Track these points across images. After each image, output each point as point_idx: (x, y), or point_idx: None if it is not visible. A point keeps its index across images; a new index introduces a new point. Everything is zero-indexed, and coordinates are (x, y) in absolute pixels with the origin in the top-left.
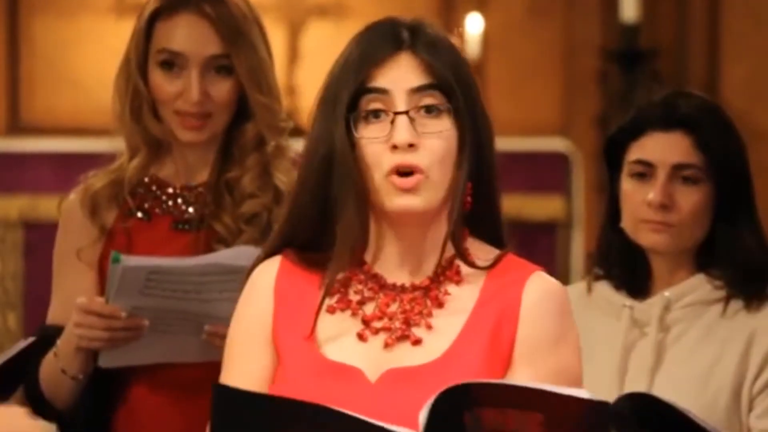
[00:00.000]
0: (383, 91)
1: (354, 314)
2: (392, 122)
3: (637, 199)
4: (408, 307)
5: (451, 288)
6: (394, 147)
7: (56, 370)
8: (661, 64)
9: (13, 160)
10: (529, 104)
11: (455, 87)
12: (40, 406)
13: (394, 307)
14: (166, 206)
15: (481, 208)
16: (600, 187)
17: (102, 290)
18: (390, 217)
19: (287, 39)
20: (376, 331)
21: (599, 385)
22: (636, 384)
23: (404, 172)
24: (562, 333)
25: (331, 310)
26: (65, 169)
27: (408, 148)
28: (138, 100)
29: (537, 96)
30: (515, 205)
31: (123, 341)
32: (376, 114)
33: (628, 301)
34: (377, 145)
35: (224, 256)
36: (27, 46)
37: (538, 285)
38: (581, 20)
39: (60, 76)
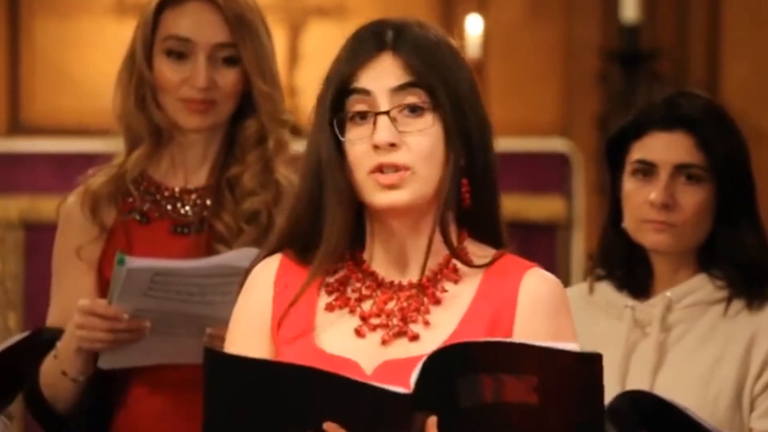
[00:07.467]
0: (365, 92)
1: (352, 311)
2: (374, 123)
3: (639, 199)
4: (405, 304)
5: (449, 286)
6: (376, 147)
7: (57, 372)
8: (661, 65)
9: (14, 161)
10: (529, 105)
11: (437, 85)
12: (40, 409)
13: (391, 305)
14: (164, 210)
15: (479, 206)
16: (600, 188)
17: (102, 292)
18: (379, 214)
19: (287, 40)
20: (374, 328)
21: None
22: (638, 384)
23: (387, 171)
24: (559, 328)
25: (330, 308)
26: (66, 170)
27: (389, 148)
28: (142, 90)
29: (537, 96)
30: (515, 205)
31: (124, 343)
32: (362, 115)
33: (630, 302)
34: (361, 146)
35: (229, 257)
36: (27, 47)
37: (535, 281)
38: (581, 21)
39: (60, 76)
